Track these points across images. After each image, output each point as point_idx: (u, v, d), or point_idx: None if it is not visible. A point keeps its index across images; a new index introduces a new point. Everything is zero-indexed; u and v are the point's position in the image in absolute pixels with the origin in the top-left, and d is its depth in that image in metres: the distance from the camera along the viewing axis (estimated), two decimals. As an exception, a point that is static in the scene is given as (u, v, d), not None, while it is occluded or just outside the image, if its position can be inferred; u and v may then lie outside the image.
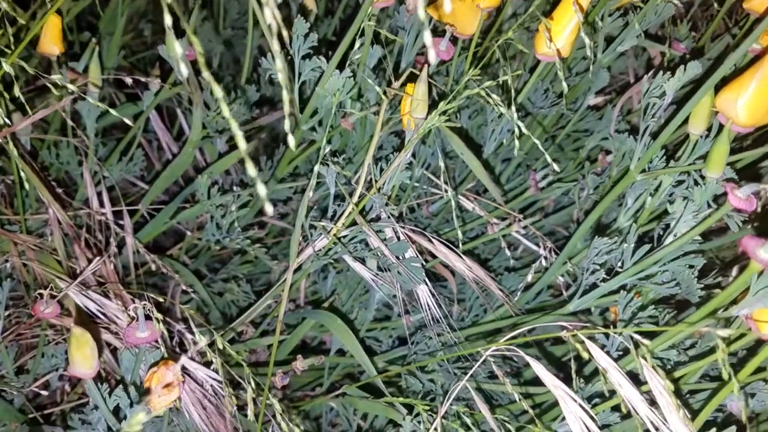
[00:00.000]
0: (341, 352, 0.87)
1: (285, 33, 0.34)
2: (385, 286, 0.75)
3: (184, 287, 0.79)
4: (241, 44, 1.16)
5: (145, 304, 0.59)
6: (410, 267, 0.71)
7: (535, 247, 0.87)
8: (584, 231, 0.71)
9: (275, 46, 0.33)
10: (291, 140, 0.32)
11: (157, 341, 0.60)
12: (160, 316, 0.59)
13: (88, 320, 0.65)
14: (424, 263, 0.72)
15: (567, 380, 0.53)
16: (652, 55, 0.93)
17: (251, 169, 0.34)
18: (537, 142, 0.60)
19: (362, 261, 0.75)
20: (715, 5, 0.86)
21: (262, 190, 0.35)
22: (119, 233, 0.85)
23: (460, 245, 0.69)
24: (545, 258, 0.82)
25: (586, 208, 0.86)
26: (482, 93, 0.56)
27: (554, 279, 0.82)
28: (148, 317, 0.60)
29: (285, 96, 0.34)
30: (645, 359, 0.46)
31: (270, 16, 0.34)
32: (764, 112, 0.54)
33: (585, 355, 0.47)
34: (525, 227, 0.84)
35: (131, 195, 1.11)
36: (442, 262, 0.89)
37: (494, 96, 0.57)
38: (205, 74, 0.36)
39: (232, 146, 0.95)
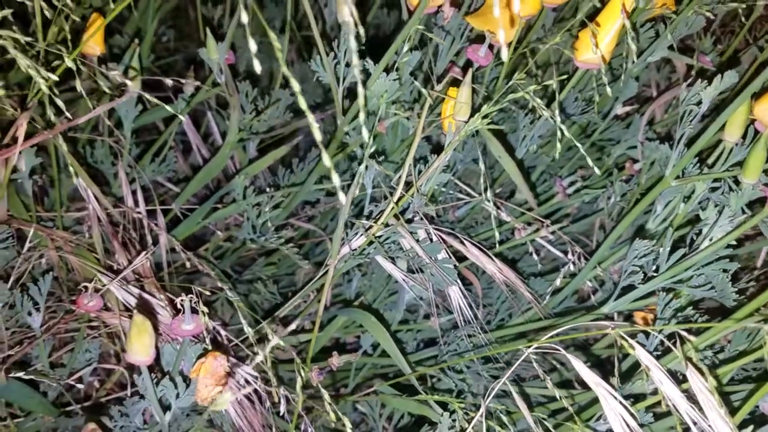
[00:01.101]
0: (366, 354, 0.88)
1: (362, 30, 0.35)
2: (415, 287, 0.76)
3: (219, 284, 0.80)
4: (270, 50, 1.18)
5: (191, 297, 0.61)
6: (443, 268, 0.73)
7: (559, 254, 0.89)
8: (616, 236, 0.72)
9: (353, 43, 0.34)
10: (365, 132, 0.34)
11: (201, 334, 0.62)
12: (205, 309, 0.61)
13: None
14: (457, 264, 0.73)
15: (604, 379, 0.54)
16: (678, 68, 0.95)
17: (317, 133, 0.35)
18: (579, 145, 0.62)
19: (392, 261, 0.77)
20: (742, 18, 0.88)
21: (327, 160, 0.35)
22: (153, 231, 0.86)
23: (497, 246, 0.70)
24: (573, 263, 0.83)
25: (613, 215, 0.88)
26: (527, 96, 0.58)
27: (581, 284, 0.83)
28: (193, 310, 0.61)
29: (360, 91, 0.36)
30: (689, 358, 0.48)
31: (347, 13, 0.36)
32: (802, 120, 0.56)
33: (631, 352, 0.48)
34: (553, 233, 0.86)
35: (159, 196, 1.13)
36: (467, 266, 0.90)
37: (537, 99, 0.58)
38: (284, 70, 0.37)
39: (261, 151, 0.96)
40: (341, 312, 0.76)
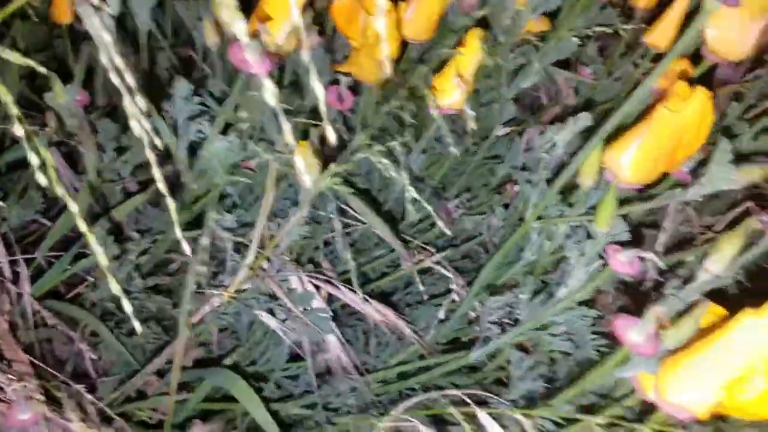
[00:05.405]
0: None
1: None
2: (293, 335, 0.74)
3: (80, 345, 0.75)
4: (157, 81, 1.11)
5: (25, 385, 0.56)
6: (316, 318, 0.70)
7: (448, 274, 0.87)
8: (486, 275, 0.71)
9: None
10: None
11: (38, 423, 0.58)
12: (41, 397, 0.56)
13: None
14: (331, 313, 0.71)
15: None
16: (559, 82, 0.94)
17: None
18: (429, 208, 0.60)
19: (270, 310, 0.74)
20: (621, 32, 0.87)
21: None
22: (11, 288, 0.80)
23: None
24: (457, 293, 0.82)
25: (495, 240, 0.87)
26: (372, 157, 0.55)
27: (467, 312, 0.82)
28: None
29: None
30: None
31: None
32: (650, 169, 0.55)
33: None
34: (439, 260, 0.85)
35: (36, 232, 1.06)
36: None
37: (384, 160, 0.56)
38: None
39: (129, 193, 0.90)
40: (207, 375, 0.72)
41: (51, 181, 0.45)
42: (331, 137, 0.53)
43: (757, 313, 0.42)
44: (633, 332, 0.45)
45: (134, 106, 0.47)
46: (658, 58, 0.76)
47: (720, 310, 0.48)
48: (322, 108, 0.32)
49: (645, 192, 0.74)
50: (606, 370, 0.48)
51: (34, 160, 0.45)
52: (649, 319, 0.44)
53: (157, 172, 0.51)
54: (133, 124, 0.47)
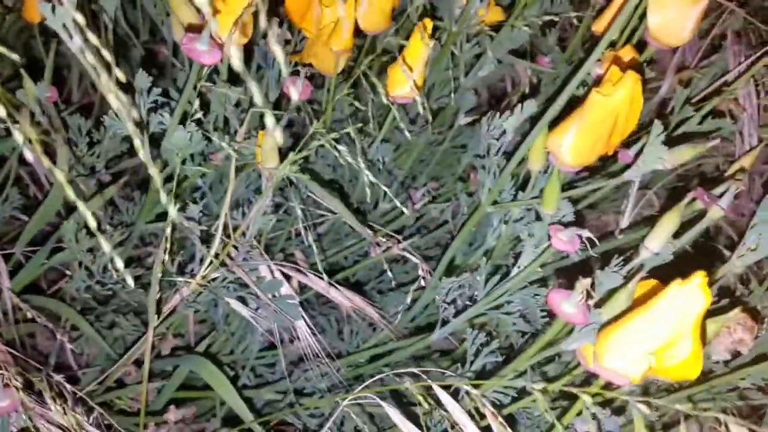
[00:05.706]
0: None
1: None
2: (264, 323, 0.76)
3: (58, 335, 0.78)
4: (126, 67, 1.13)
5: (2, 374, 0.59)
6: (285, 305, 0.72)
7: (417, 261, 0.90)
8: (449, 258, 0.74)
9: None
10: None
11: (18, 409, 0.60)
12: (19, 385, 0.59)
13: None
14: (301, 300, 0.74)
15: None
16: (519, 72, 0.96)
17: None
18: (386, 189, 0.62)
19: (242, 298, 0.76)
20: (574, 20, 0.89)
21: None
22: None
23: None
24: (423, 278, 0.85)
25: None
26: (328, 146, 0.58)
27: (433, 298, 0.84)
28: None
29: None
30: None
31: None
32: (588, 152, 0.58)
33: (425, 405, 0.49)
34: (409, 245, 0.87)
35: (16, 228, 1.08)
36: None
37: (340, 147, 0.58)
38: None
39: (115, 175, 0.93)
40: (181, 361, 0.75)
41: (38, 156, 0.46)
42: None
43: (683, 282, 0.45)
44: (565, 304, 0.48)
45: (110, 81, 0.49)
46: (611, 45, 0.79)
47: (654, 283, 0.51)
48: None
49: (597, 174, 0.77)
50: (544, 342, 0.51)
51: (18, 137, 0.46)
52: (578, 291, 0.47)
53: (138, 139, 0.52)
54: (110, 97, 0.49)
